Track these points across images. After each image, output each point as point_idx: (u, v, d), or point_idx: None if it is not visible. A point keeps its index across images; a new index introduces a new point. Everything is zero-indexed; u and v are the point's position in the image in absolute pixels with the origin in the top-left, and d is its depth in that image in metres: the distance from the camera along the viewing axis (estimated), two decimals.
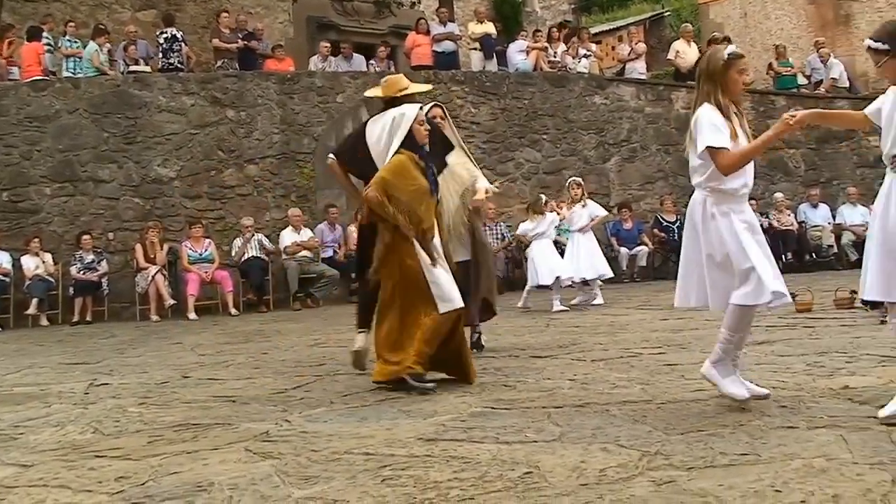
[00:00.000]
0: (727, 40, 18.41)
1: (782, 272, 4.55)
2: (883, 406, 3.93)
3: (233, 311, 13.48)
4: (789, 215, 16.28)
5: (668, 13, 30.53)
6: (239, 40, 16.77)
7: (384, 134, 5.70)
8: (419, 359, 5.39)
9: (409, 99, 6.51)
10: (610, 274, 11.96)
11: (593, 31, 25.03)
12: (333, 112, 15.65)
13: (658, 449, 3.60)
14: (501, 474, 3.36)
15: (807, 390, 4.73)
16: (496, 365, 6.36)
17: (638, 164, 17.15)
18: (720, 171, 4.36)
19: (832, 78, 18.69)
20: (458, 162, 7.12)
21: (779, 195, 16.32)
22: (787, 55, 19.77)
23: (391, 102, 6.35)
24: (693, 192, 4.56)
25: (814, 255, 16.54)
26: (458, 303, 5.53)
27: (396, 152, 5.57)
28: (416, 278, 5.44)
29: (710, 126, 4.33)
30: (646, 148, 17.21)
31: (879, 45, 4.02)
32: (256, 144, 15.12)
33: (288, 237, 14.35)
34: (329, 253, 14.79)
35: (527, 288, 11.31)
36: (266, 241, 14.28)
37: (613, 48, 26.28)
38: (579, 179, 12.28)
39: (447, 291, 5.48)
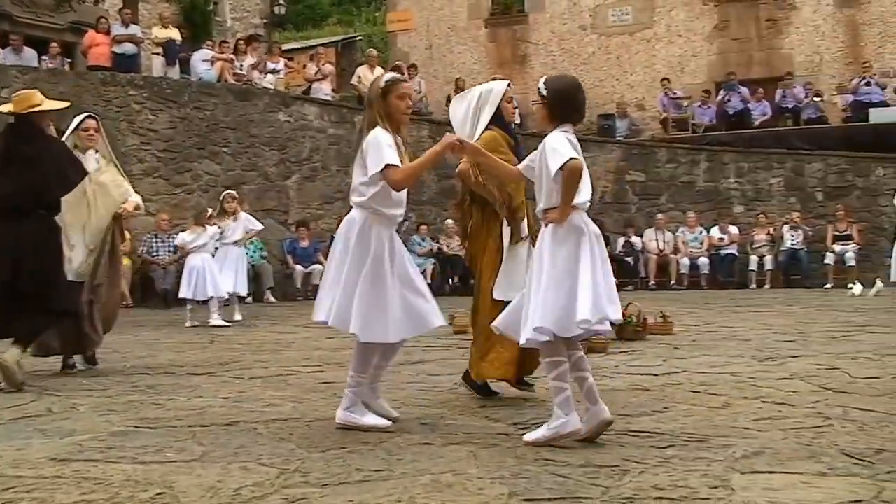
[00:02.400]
0: (413, 68, 18.88)
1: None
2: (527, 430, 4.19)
3: None
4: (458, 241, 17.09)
5: (361, 38, 31.19)
6: None
7: (469, 111, 5.29)
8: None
9: (41, 116, 6.22)
10: (245, 293, 12.05)
11: (286, 48, 25.03)
12: None
13: (297, 466, 3.65)
14: (133, 495, 3.26)
15: (449, 408, 4.98)
16: (149, 382, 6.14)
17: (318, 183, 17.31)
18: (394, 187, 4.43)
19: None
20: (111, 179, 6.88)
21: (449, 221, 17.06)
22: (465, 88, 20.76)
23: (22, 119, 6.13)
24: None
25: None
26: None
27: (486, 129, 5.24)
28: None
29: (384, 147, 4.39)
30: (327, 168, 17.42)
31: (542, 91, 4.31)
32: None
33: None
34: None
35: (188, 307, 10.83)
36: None
37: (305, 67, 26.43)
38: (234, 193, 12.16)
39: (515, 282, 5.03)
